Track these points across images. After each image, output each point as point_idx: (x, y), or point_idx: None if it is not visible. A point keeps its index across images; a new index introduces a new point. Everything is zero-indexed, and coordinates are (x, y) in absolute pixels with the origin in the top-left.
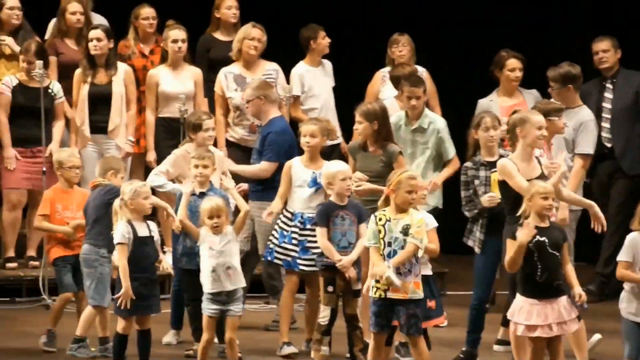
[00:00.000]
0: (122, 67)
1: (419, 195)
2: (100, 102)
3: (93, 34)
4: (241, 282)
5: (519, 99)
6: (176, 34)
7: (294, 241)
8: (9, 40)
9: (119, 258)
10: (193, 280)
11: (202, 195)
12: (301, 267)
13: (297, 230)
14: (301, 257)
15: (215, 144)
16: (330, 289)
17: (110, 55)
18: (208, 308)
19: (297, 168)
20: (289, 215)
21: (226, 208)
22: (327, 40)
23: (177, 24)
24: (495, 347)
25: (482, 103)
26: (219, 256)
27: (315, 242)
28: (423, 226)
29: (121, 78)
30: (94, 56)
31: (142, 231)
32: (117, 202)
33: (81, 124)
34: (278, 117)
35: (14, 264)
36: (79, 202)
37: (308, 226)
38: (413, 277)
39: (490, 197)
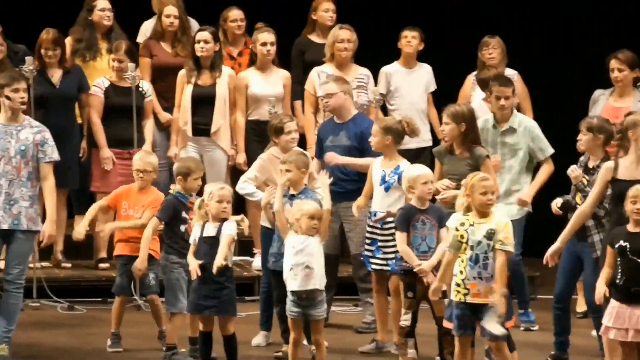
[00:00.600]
0: (227, 71)
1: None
2: (203, 103)
3: (200, 35)
4: (320, 284)
5: (629, 102)
6: (265, 37)
7: (367, 240)
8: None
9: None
10: (281, 281)
11: (292, 197)
12: (373, 266)
13: (371, 228)
14: (374, 256)
15: (303, 143)
16: (410, 294)
17: (216, 58)
18: (290, 310)
19: (375, 166)
20: (368, 214)
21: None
22: (406, 40)
23: (266, 27)
24: None
25: (597, 93)
26: (298, 254)
27: (387, 241)
28: (510, 230)
29: (225, 81)
30: (200, 58)
31: (208, 232)
32: (197, 202)
33: (184, 125)
34: (360, 114)
35: (106, 265)
36: (147, 203)
37: (379, 225)
38: (494, 281)
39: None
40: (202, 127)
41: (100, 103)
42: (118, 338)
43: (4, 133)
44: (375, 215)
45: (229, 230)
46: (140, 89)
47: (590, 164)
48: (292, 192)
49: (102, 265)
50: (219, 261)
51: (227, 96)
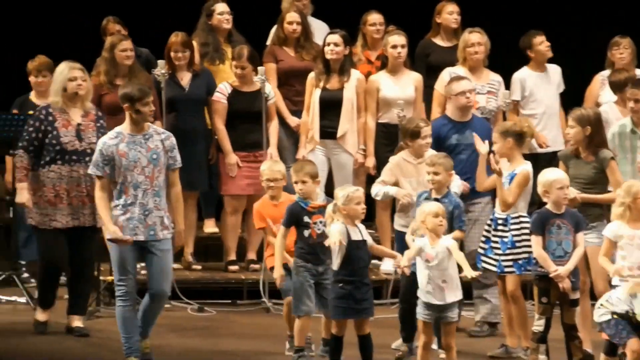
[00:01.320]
0: (355, 74)
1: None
2: (330, 107)
3: (330, 38)
4: (456, 296)
5: None
6: (395, 40)
7: (483, 238)
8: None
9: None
10: (409, 284)
11: (436, 201)
12: (484, 265)
13: (489, 229)
14: (487, 255)
15: None
16: (544, 299)
17: (345, 62)
18: (422, 313)
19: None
20: (491, 214)
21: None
22: (546, 44)
23: (398, 30)
24: None
25: None
26: (433, 268)
27: (497, 243)
28: None
29: (353, 85)
30: (329, 61)
31: (355, 235)
32: (330, 207)
33: (312, 128)
34: (474, 115)
35: (236, 267)
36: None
37: (493, 226)
38: None
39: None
40: (329, 131)
41: (223, 109)
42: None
43: (132, 143)
44: (494, 214)
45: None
46: (266, 96)
47: None
48: (435, 195)
49: (231, 267)
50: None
51: (354, 100)
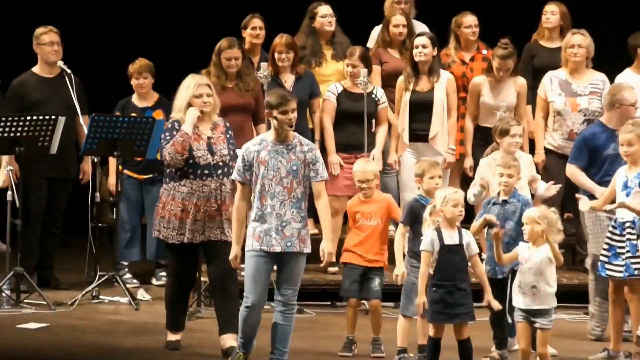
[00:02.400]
0: (445, 75)
1: None
2: (421, 109)
3: (418, 40)
4: (548, 304)
5: None
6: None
7: (605, 245)
8: None
9: (421, 265)
10: (501, 288)
11: (504, 203)
12: (608, 273)
13: (614, 235)
14: (610, 262)
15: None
16: None
17: (434, 63)
18: (517, 315)
19: (620, 173)
20: (613, 221)
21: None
22: None
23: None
24: None
25: None
26: (526, 273)
27: (623, 247)
28: None
29: (443, 86)
30: (418, 63)
31: (450, 239)
32: (428, 209)
33: (401, 131)
34: None
35: (335, 269)
36: (376, 209)
37: (617, 231)
38: None
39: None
40: (420, 133)
41: (332, 108)
42: (350, 343)
43: (274, 152)
44: (615, 221)
45: (470, 240)
46: (373, 96)
47: None
48: (503, 197)
49: (331, 269)
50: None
51: (444, 101)
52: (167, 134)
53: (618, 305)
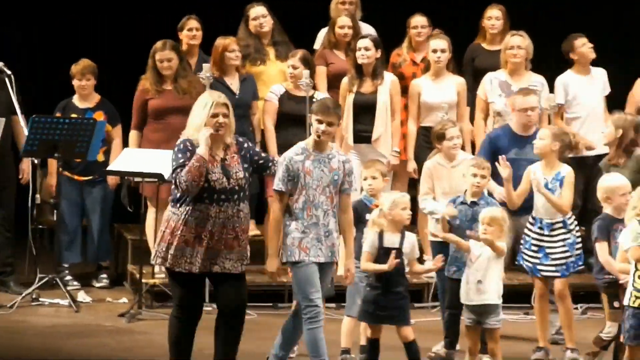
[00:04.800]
0: (389, 77)
1: None
2: (364, 111)
3: (361, 43)
4: (493, 298)
5: None
6: (436, 44)
7: (533, 247)
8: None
9: (362, 263)
10: (455, 289)
11: (473, 204)
12: (542, 273)
13: (536, 236)
14: (542, 263)
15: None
16: (616, 304)
17: (377, 65)
18: (466, 317)
19: (536, 173)
20: (532, 220)
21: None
22: (588, 46)
23: (441, 34)
24: None
25: None
26: (473, 268)
27: (558, 247)
28: None
29: (387, 88)
30: (361, 65)
31: (390, 242)
32: (375, 212)
33: (345, 133)
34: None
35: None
36: None
37: (546, 232)
38: None
39: None
40: (363, 135)
41: (274, 110)
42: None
43: (317, 162)
44: (540, 222)
45: (414, 244)
46: (314, 100)
47: None
48: (473, 198)
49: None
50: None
51: (388, 103)
52: (180, 155)
53: (545, 303)
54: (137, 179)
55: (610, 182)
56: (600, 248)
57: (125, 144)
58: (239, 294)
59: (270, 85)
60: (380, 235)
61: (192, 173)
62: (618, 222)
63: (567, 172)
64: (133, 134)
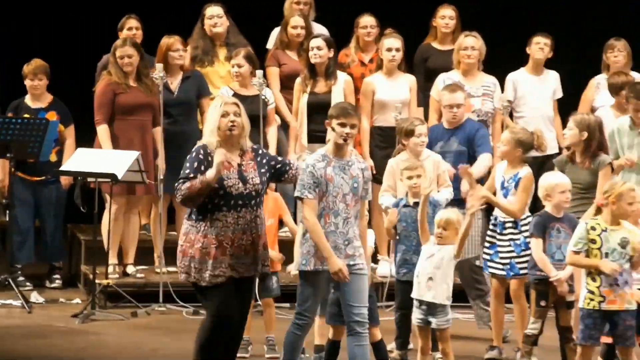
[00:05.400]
0: (342, 77)
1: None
2: (318, 111)
3: (314, 42)
4: (441, 299)
5: None
6: (390, 43)
7: (487, 244)
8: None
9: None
10: (405, 290)
11: (416, 205)
12: (491, 271)
13: (492, 233)
14: (493, 260)
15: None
16: (542, 303)
17: (330, 65)
18: (415, 317)
19: (498, 171)
20: (492, 218)
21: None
22: (539, 46)
23: (394, 33)
24: None
25: None
26: (425, 264)
27: (505, 247)
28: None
29: (341, 87)
30: (314, 65)
31: None
32: None
33: (300, 133)
34: (469, 119)
35: None
36: (271, 208)
37: (498, 230)
38: (629, 289)
39: None
40: (317, 135)
41: None
42: (247, 344)
43: (338, 169)
44: (495, 219)
45: (372, 241)
46: (263, 97)
47: None
48: (414, 199)
49: None
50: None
51: None
52: (190, 164)
53: (500, 303)
54: (90, 179)
55: (551, 180)
56: (535, 244)
57: (78, 143)
58: (248, 302)
59: (219, 86)
60: None
61: (191, 192)
62: (556, 220)
63: (524, 174)
64: (103, 129)
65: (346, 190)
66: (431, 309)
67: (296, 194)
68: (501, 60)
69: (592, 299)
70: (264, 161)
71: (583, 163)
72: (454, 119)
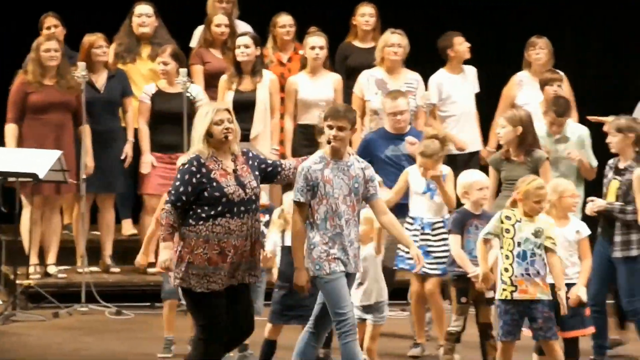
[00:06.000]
0: (268, 75)
1: (570, 203)
2: (243, 109)
3: (240, 40)
4: (378, 297)
5: None
6: (314, 41)
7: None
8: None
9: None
10: None
11: None
12: (423, 270)
13: (417, 234)
14: (426, 260)
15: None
16: (463, 299)
17: (257, 63)
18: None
19: (413, 174)
20: (410, 220)
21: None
22: (466, 45)
23: (318, 31)
24: None
25: None
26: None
27: (435, 246)
28: (555, 231)
29: (266, 85)
30: (241, 63)
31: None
32: (276, 212)
33: None
34: (412, 127)
35: (155, 269)
36: None
37: (427, 231)
38: (541, 280)
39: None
40: (242, 133)
41: (147, 109)
42: (170, 343)
43: (336, 170)
44: (420, 221)
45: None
46: (189, 95)
47: (621, 165)
48: None
49: (150, 270)
50: None
51: (267, 101)
52: (186, 175)
53: (420, 301)
54: (11, 179)
55: (468, 177)
56: (453, 241)
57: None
58: (250, 321)
59: (139, 84)
60: (283, 235)
61: (162, 223)
62: (474, 217)
63: (449, 171)
64: (10, 128)
65: (346, 191)
66: (367, 307)
67: (293, 197)
68: (424, 59)
69: (504, 289)
70: (255, 164)
71: (519, 158)
72: (400, 125)
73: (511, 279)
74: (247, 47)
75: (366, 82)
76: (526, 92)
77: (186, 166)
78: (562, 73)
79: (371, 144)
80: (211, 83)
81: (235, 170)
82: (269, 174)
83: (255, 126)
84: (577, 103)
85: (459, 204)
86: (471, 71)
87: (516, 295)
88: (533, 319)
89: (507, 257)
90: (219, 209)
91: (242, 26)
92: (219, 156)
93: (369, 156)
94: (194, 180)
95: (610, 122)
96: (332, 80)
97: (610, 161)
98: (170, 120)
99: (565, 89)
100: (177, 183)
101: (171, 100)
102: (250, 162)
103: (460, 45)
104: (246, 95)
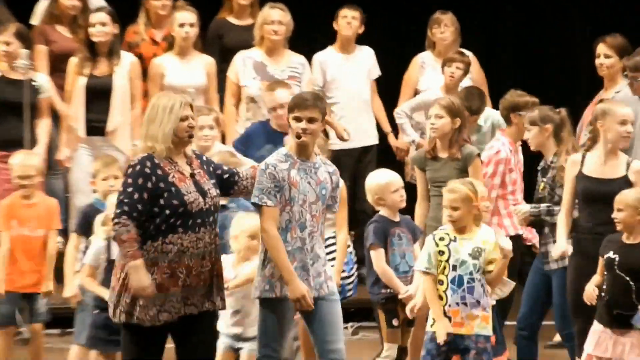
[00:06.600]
0: (128, 58)
1: (481, 207)
2: (98, 97)
3: (96, 17)
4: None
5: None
6: (184, 17)
7: None
8: None
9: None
10: None
11: (223, 208)
12: None
13: None
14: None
15: (223, 140)
16: (395, 322)
17: (115, 43)
18: (221, 341)
19: None
20: None
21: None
22: (347, 20)
23: (187, 6)
24: None
25: None
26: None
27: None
28: (497, 250)
29: (126, 70)
30: (96, 43)
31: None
32: (99, 218)
33: (75, 122)
34: None
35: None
36: (42, 216)
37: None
38: (481, 310)
39: None
40: (96, 125)
41: None
42: None
43: (303, 172)
44: None
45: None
46: (33, 84)
47: (543, 163)
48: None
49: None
50: None
51: (127, 88)
52: (139, 179)
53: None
54: None
55: (379, 179)
56: (376, 256)
57: None
58: (209, 351)
59: None
60: (109, 245)
61: (120, 247)
62: (395, 224)
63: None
64: None
65: (312, 198)
66: (240, 337)
67: (252, 199)
68: (309, 39)
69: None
70: (211, 169)
71: (452, 155)
72: (282, 121)
73: (444, 309)
74: (103, 25)
75: (242, 65)
76: (430, 75)
77: (137, 167)
78: (470, 53)
79: (251, 136)
80: (58, 67)
81: (193, 175)
82: (225, 182)
83: (112, 118)
84: (491, 85)
85: (374, 212)
86: (367, 54)
87: (449, 329)
88: (466, 351)
89: (440, 282)
90: (172, 221)
91: (96, 1)
92: (173, 156)
93: (247, 148)
94: (149, 184)
95: (523, 116)
96: (204, 63)
97: (541, 163)
98: (13, 111)
99: (474, 72)
100: (129, 189)
101: (14, 87)
102: (205, 167)
103: (342, 20)
104: (102, 81)
